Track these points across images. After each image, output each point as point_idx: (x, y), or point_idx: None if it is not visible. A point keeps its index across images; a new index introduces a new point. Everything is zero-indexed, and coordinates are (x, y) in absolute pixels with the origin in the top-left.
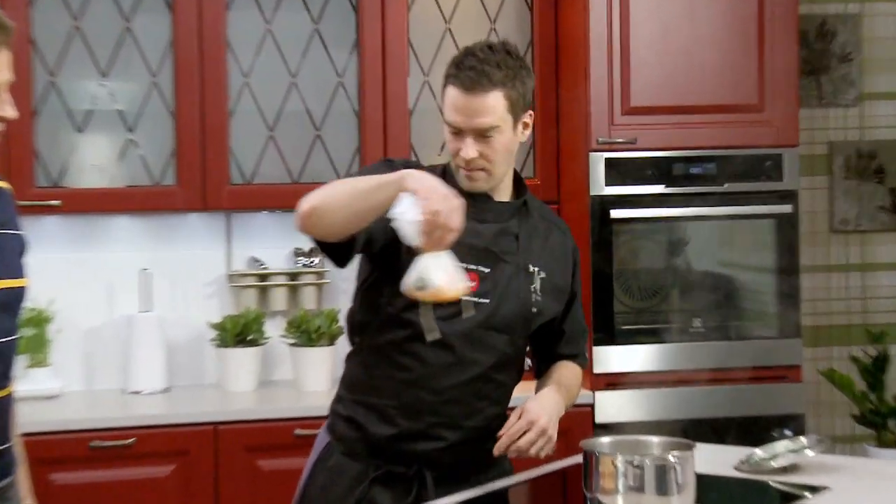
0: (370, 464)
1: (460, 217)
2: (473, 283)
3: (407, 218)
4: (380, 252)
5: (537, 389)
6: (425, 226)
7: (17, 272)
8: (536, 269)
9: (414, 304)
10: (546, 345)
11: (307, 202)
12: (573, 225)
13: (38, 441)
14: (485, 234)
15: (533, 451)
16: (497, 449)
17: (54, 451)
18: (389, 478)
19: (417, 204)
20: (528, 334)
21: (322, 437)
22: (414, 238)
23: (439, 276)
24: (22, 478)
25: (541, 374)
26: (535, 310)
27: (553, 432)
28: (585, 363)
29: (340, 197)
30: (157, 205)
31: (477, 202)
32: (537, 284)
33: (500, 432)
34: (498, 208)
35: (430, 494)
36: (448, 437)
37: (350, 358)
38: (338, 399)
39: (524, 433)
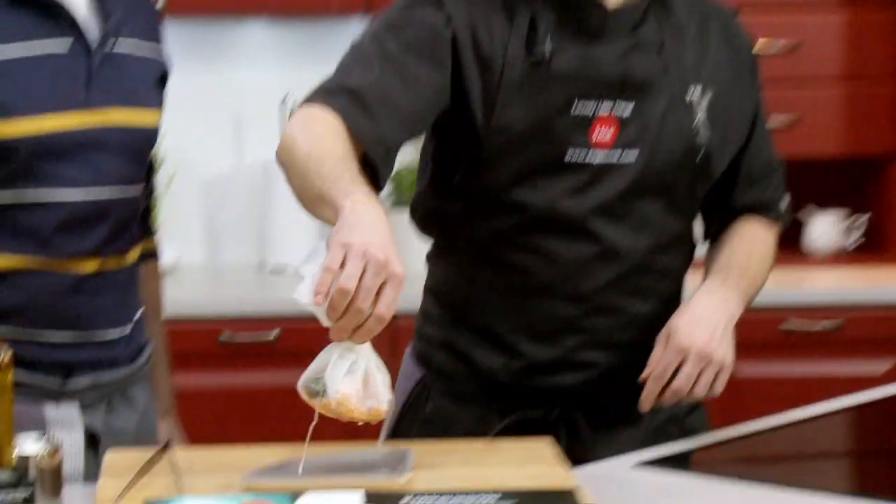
0: (490, 409)
1: (391, 302)
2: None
3: (306, 285)
4: (445, 124)
5: (703, 278)
6: (331, 306)
7: (146, 100)
8: (697, 89)
9: (524, 178)
10: (718, 194)
11: (281, 145)
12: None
13: None
14: (607, 56)
15: (699, 391)
16: (643, 401)
17: (170, 345)
18: (523, 427)
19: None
20: (695, 193)
21: (409, 370)
22: (320, 316)
23: (346, 383)
24: (161, 380)
25: (711, 244)
26: (702, 152)
27: (724, 353)
28: (784, 218)
29: (294, 178)
30: (304, 6)
31: (582, 8)
32: (702, 114)
33: (644, 374)
34: (620, 13)
35: (588, 444)
36: (599, 362)
37: (434, 259)
38: (425, 316)
39: (678, 368)
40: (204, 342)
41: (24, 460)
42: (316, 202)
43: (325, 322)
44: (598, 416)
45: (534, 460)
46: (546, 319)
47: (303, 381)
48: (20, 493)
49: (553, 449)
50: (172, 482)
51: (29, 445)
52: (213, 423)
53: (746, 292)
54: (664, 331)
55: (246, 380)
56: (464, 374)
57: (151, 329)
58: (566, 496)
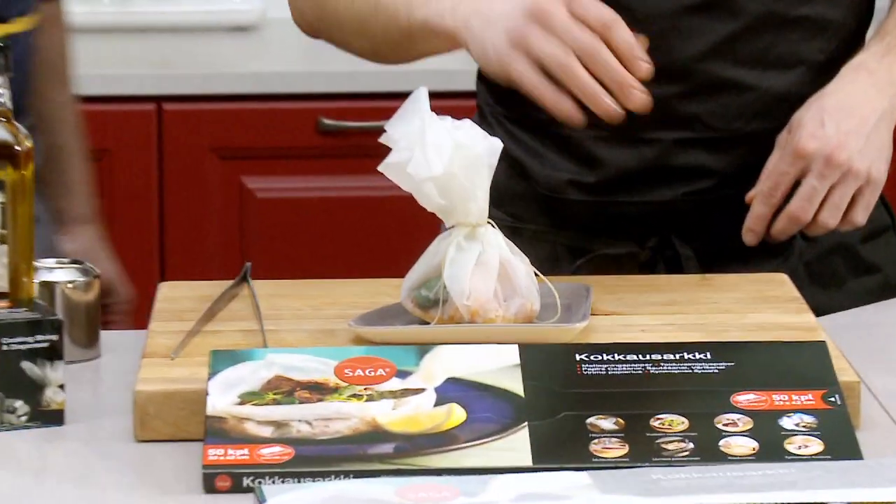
0: (557, 243)
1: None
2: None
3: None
4: None
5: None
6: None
7: None
8: None
9: None
10: None
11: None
12: None
13: (218, 111)
14: None
15: (827, 216)
16: (746, 230)
17: (252, 135)
18: (605, 266)
19: None
20: None
21: None
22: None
23: (477, 281)
24: (72, 174)
25: None
26: None
27: (869, 162)
28: None
29: (353, 30)
30: None
31: None
32: None
33: (751, 192)
34: None
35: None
36: (710, 167)
37: None
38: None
39: (795, 186)
40: (297, 127)
41: (47, 290)
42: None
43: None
44: (711, 248)
45: (757, 298)
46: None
47: (407, 289)
48: (44, 337)
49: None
50: (248, 328)
51: (56, 273)
52: (284, 237)
53: None
54: (787, 127)
55: (349, 183)
56: (520, 194)
57: (52, 96)
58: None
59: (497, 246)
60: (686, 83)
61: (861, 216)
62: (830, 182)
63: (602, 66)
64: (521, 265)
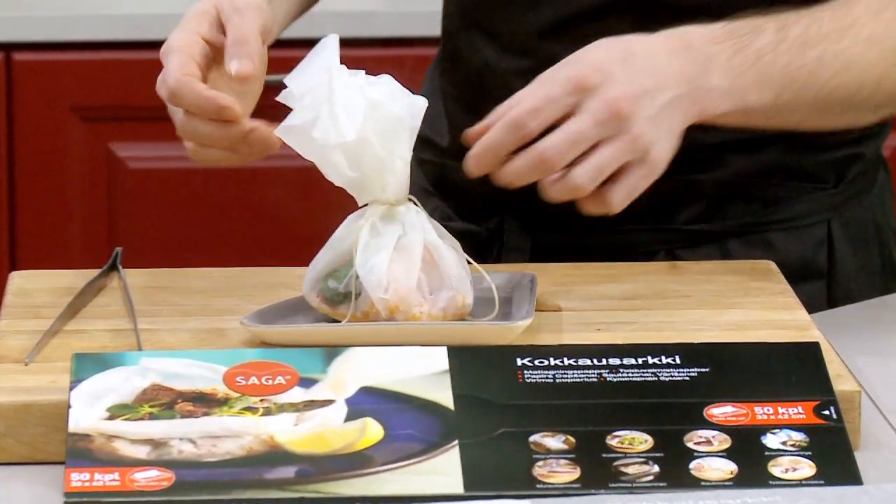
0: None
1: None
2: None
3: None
4: None
5: None
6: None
7: None
8: None
9: None
10: None
11: None
12: None
13: (79, 63)
14: None
15: (579, 175)
16: (470, 159)
17: (122, 92)
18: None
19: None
20: None
21: None
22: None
23: (397, 269)
24: None
25: None
26: None
27: (655, 136)
28: None
29: None
30: None
31: None
32: None
33: (494, 112)
34: None
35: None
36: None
37: None
38: None
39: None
40: None
41: None
42: None
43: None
44: (543, 224)
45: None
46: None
47: (311, 280)
48: None
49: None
50: (118, 327)
51: None
52: (162, 217)
53: (789, 66)
54: (569, 57)
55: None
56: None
57: None
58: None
59: (420, 228)
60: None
61: (618, 198)
62: (603, 134)
63: None
64: (449, 251)
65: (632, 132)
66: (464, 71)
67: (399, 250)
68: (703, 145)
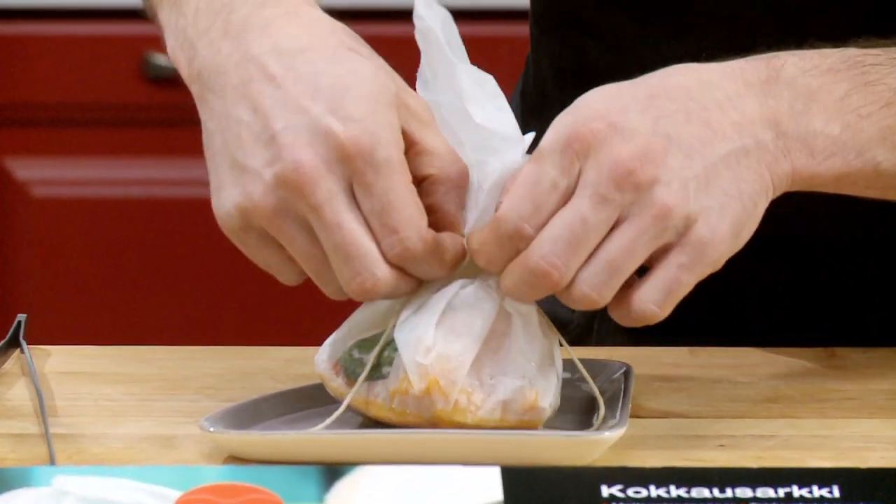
0: None
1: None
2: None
3: None
4: None
5: None
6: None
7: None
8: None
9: None
10: None
11: None
12: None
13: None
14: None
15: (590, 278)
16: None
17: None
18: None
19: None
20: None
21: None
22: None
23: (447, 333)
24: None
25: None
26: None
27: (706, 218)
28: None
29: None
30: None
31: None
32: None
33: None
34: None
35: None
36: None
37: None
38: None
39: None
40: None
41: None
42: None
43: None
44: None
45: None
46: None
47: (331, 348)
48: None
49: None
50: (21, 431)
51: None
52: (85, 266)
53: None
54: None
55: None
56: None
57: None
58: None
59: (494, 285)
60: None
61: (650, 302)
62: (613, 215)
63: None
64: (533, 325)
65: (656, 203)
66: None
67: (456, 309)
68: None
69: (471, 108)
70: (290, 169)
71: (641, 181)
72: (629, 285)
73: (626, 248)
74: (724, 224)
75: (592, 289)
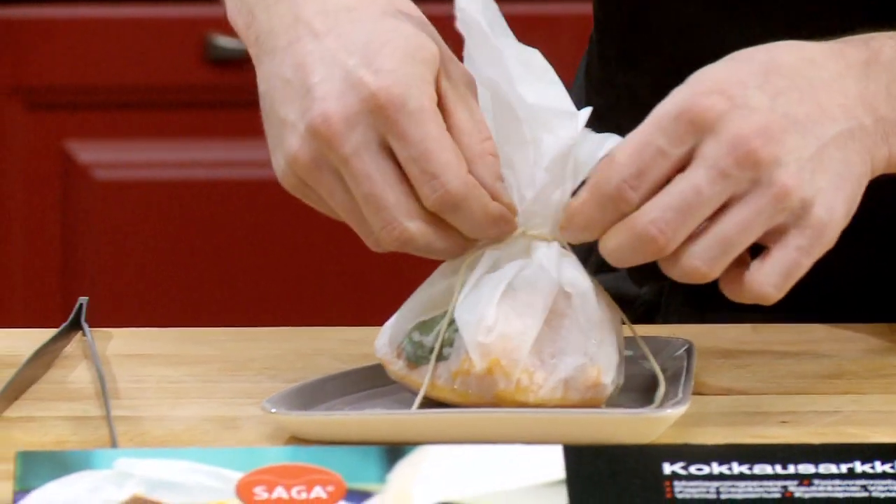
0: None
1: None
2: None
3: None
4: None
5: None
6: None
7: None
8: None
9: None
10: None
11: None
12: None
13: (23, 22)
14: None
15: (701, 252)
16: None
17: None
18: None
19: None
20: None
21: None
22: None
23: (508, 312)
24: None
25: None
26: None
27: (823, 200)
28: None
29: None
30: None
31: None
32: None
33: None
34: None
35: None
36: None
37: None
38: None
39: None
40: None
41: None
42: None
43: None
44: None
45: None
46: None
47: (391, 334)
48: None
49: None
50: (83, 413)
51: None
52: (146, 249)
53: None
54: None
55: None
56: None
57: None
58: None
59: (555, 264)
60: None
61: (768, 283)
62: (730, 190)
63: None
64: (594, 303)
65: (776, 183)
66: None
67: (516, 289)
68: None
69: (521, 89)
70: (318, 121)
71: (763, 159)
72: (740, 262)
73: (743, 226)
74: (839, 204)
75: (704, 263)
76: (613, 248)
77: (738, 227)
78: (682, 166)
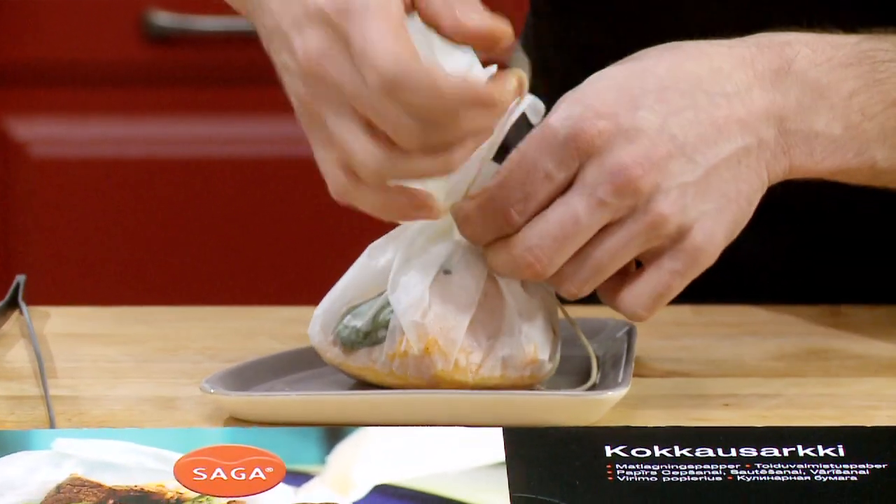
0: None
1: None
2: None
3: None
4: None
5: None
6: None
7: None
8: None
9: None
10: None
11: None
12: None
13: None
14: None
15: (574, 272)
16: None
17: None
18: None
19: None
20: None
21: None
22: None
23: (444, 300)
24: None
25: None
26: None
27: (702, 226)
28: None
29: None
30: None
31: None
32: None
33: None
34: None
35: None
36: None
37: None
38: None
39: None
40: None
41: None
42: None
43: None
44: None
45: None
46: None
47: (322, 318)
48: None
49: None
50: (20, 392)
51: None
52: (82, 228)
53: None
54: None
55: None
56: None
57: None
58: None
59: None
60: None
61: (639, 303)
62: (608, 216)
63: None
64: (525, 285)
65: (651, 211)
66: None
67: (450, 271)
68: None
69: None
70: (301, 59)
71: (641, 188)
72: (622, 272)
73: (615, 251)
74: (720, 228)
75: (574, 285)
76: (497, 264)
77: (611, 253)
78: (565, 187)
